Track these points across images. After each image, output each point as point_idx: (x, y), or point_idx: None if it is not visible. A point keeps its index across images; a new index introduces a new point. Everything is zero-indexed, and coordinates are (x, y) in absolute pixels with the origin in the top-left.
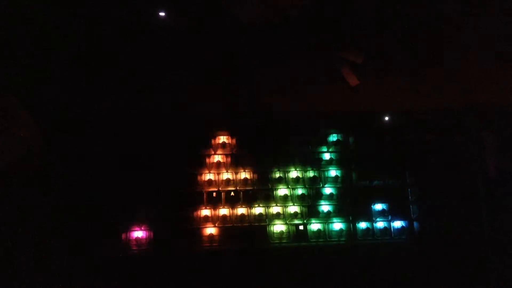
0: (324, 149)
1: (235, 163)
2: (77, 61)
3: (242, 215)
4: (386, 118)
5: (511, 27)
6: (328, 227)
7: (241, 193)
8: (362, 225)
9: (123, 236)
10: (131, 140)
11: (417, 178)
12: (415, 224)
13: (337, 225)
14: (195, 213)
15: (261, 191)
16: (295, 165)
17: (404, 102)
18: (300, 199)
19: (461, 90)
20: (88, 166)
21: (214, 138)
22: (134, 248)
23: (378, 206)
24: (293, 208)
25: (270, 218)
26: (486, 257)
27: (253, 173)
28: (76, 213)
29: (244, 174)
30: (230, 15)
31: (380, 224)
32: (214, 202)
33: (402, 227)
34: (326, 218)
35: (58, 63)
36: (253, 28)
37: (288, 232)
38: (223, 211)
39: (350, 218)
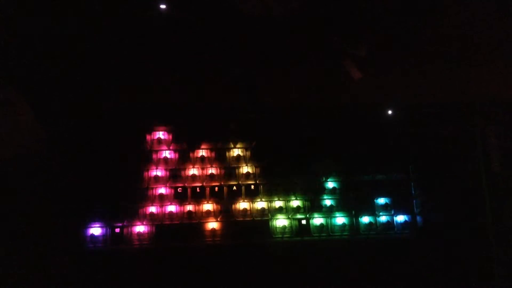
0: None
1: (237, 157)
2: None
3: (245, 209)
4: (389, 112)
5: (511, 24)
6: (330, 222)
7: (243, 187)
8: (365, 219)
9: (125, 231)
10: (134, 137)
11: (420, 172)
12: (418, 218)
13: (340, 219)
14: (197, 208)
15: (264, 185)
16: (298, 159)
17: (408, 96)
18: (303, 194)
19: (464, 85)
20: (87, 163)
21: (214, 133)
22: (136, 243)
23: (381, 200)
24: (295, 203)
25: (272, 213)
26: (490, 250)
27: (255, 167)
28: (76, 209)
29: (246, 168)
30: (231, 6)
31: (383, 218)
32: (217, 197)
33: (405, 221)
34: (329, 212)
35: (59, 62)
36: (254, 20)
37: (291, 226)
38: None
39: (353, 212)
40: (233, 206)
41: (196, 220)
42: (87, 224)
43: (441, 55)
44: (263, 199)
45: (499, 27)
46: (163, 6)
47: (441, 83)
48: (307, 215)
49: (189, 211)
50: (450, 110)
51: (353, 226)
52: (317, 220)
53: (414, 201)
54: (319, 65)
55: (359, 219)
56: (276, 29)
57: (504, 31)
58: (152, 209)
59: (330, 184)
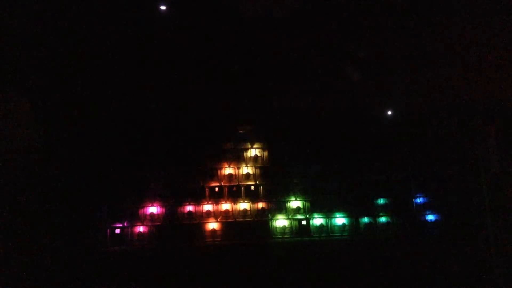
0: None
1: (237, 158)
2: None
3: (245, 210)
4: (389, 112)
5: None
6: (330, 222)
7: (243, 188)
8: (365, 219)
9: (126, 231)
10: (134, 138)
11: (420, 173)
12: (418, 218)
13: (340, 219)
14: (197, 208)
15: (263, 186)
16: (299, 160)
17: (408, 97)
18: (303, 194)
19: (464, 86)
20: (91, 163)
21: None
22: (137, 243)
23: (381, 201)
24: (295, 203)
25: (272, 213)
26: (490, 250)
27: (256, 168)
28: (80, 209)
29: (246, 169)
30: (232, 7)
31: (382, 219)
32: (216, 197)
33: (405, 221)
34: (329, 213)
35: (59, 62)
36: (255, 20)
37: (291, 227)
38: (226, 206)
39: (353, 213)
40: (234, 206)
41: (196, 221)
42: (91, 225)
43: (441, 56)
44: (263, 200)
45: (499, 30)
46: (163, 7)
47: (441, 84)
48: (307, 216)
49: (189, 212)
50: (450, 110)
51: (353, 226)
52: (317, 220)
53: (413, 201)
54: (319, 66)
55: (359, 219)
56: (275, 29)
57: (504, 34)
58: (153, 209)
59: (330, 185)
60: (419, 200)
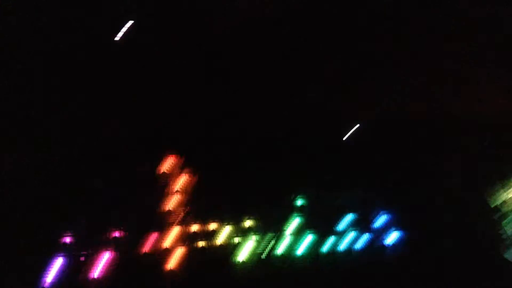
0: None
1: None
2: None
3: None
4: (357, 126)
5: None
6: (295, 240)
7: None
8: (333, 235)
9: (89, 259)
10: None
11: (388, 187)
12: (388, 233)
13: (306, 237)
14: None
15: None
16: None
17: (376, 111)
18: (269, 213)
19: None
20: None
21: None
22: (100, 271)
23: (349, 217)
24: (255, 222)
25: (234, 235)
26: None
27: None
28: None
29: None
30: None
31: (351, 235)
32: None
33: (375, 236)
34: (295, 230)
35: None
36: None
37: (254, 248)
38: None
39: (319, 229)
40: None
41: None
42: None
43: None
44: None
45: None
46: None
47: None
48: (271, 235)
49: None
50: (420, 125)
51: (320, 242)
52: (283, 239)
53: (382, 215)
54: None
55: (327, 235)
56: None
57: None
58: (116, 234)
59: (298, 202)
60: (384, 216)
